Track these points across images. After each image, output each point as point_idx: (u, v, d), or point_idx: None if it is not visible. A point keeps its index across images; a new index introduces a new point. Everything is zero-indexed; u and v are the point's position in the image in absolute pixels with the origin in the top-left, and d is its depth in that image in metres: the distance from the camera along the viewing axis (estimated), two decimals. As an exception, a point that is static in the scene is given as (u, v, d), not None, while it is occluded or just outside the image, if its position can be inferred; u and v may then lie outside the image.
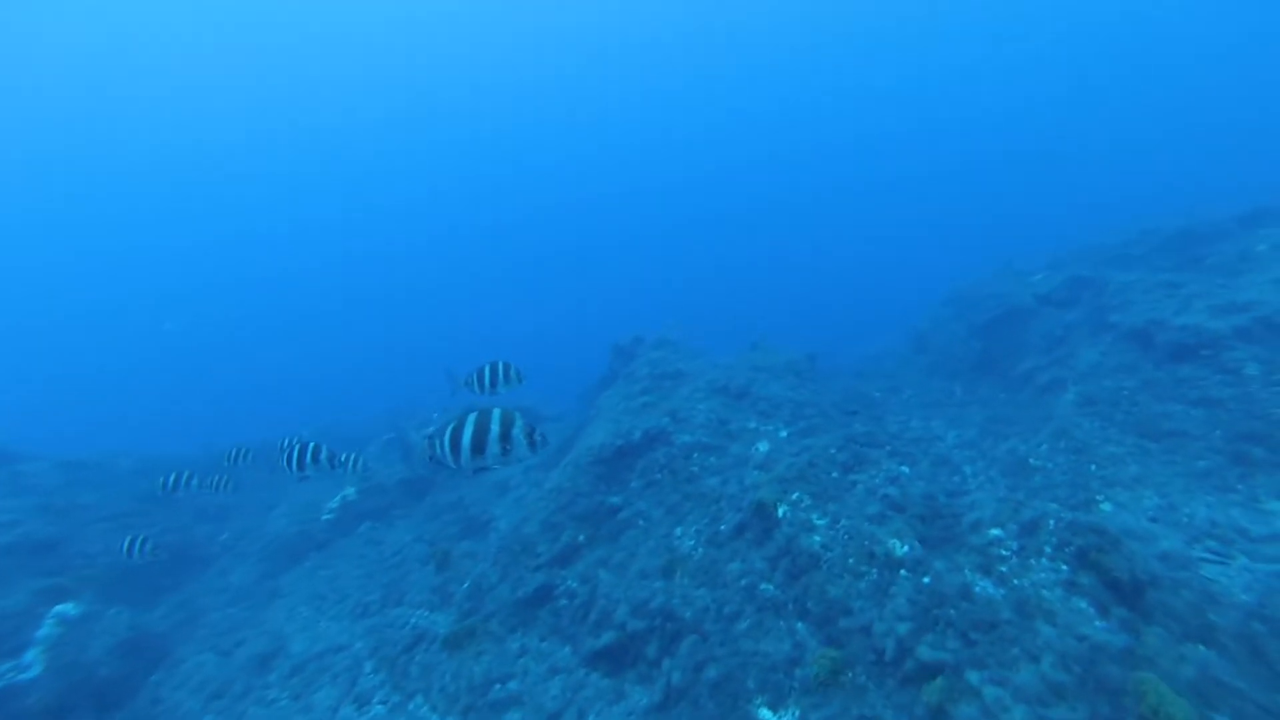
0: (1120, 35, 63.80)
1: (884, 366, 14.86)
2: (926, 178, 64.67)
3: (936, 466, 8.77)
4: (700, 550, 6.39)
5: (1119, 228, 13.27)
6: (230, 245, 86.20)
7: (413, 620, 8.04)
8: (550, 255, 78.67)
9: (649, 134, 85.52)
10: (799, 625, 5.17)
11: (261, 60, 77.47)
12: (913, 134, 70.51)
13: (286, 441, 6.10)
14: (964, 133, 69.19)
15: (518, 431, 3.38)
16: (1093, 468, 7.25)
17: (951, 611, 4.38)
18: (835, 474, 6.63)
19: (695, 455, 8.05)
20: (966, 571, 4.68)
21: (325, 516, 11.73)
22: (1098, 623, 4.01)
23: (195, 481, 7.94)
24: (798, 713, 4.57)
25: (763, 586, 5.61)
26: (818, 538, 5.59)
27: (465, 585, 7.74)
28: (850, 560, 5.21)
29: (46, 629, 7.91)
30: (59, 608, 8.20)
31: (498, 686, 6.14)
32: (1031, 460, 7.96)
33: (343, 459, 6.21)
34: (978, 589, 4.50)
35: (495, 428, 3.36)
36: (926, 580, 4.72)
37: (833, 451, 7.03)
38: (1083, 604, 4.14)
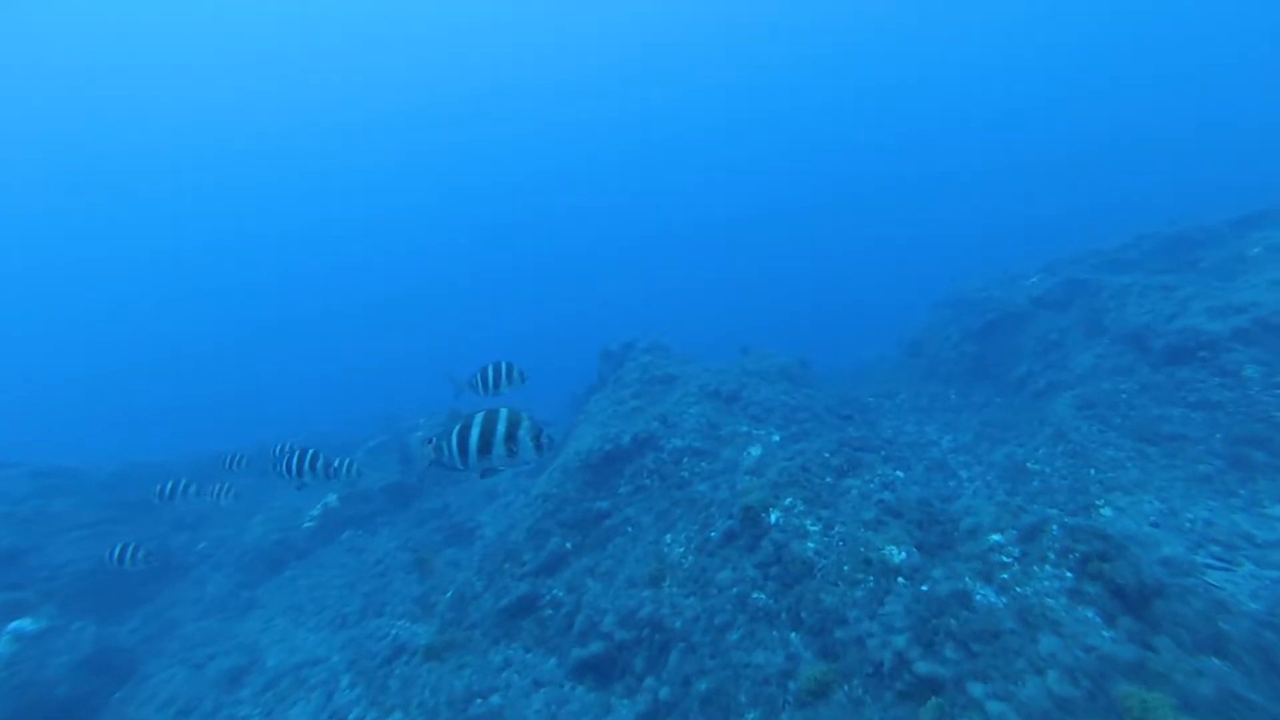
0: (1117, 39, 64.64)
1: (877, 371, 14.72)
2: (920, 183, 65.18)
3: (932, 471, 8.60)
4: (690, 558, 6.16)
5: (1114, 232, 13.24)
6: (221, 250, 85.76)
7: (393, 631, 7.76)
8: (541, 262, 78.75)
9: (642, 140, 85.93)
10: (792, 636, 4.94)
11: (257, 69, 77.42)
12: (906, 139, 71.16)
13: (280, 448, 5.89)
14: (958, 138, 69.92)
15: (524, 432, 3.31)
16: (1092, 472, 7.10)
17: (952, 621, 4.17)
18: (829, 479, 6.43)
19: (685, 460, 7.84)
20: (966, 579, 4.47)
21: (306, 524, 11.40)
22: (1105, 632, 3.81)
23: (194, 489, 7.64)
24: (791, 729, 4.33)
25: (755, 595, 5.39)
26: (811, 544, 5.37)
27: (448, 595, 7.47)
28: (845, 568, 4.99)
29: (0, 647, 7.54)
30: (15, 624, 7.83)
31: (479, 701, 5.87)
32: (1029, 464, 7.80)
33: (336, 465, 6.02)
34: (978, 597, 4.29)
35: (501, 428, 3.30)
36: (925, 588, 4.51)
37: (826, 456, 6.84)
38: (1089, 613, 3.94)
